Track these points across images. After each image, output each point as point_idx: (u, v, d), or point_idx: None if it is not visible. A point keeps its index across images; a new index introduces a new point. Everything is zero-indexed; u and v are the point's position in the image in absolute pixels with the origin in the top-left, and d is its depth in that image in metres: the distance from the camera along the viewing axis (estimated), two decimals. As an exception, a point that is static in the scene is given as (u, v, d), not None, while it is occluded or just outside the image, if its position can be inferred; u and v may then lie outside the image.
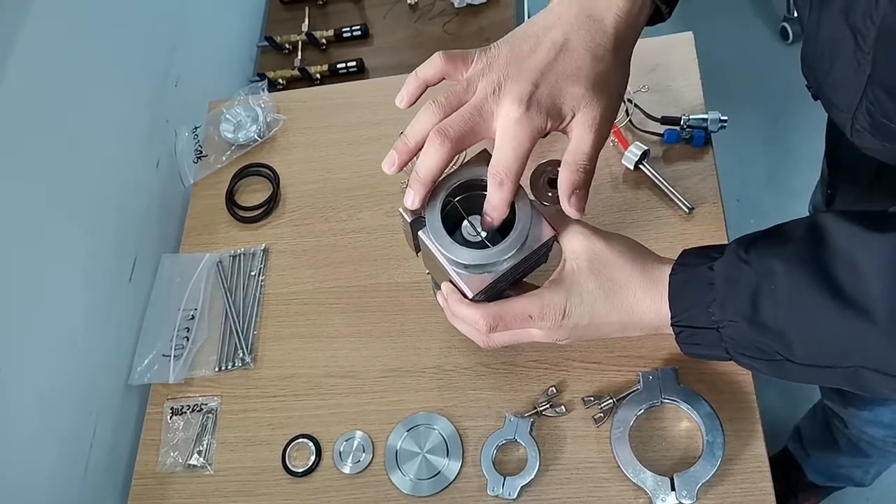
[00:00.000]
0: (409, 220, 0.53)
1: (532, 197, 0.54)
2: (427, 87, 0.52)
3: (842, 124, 0.56)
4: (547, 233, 0.53)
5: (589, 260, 0.53)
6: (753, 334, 0.46)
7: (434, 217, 0.52)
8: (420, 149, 0.49)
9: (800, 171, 1.68)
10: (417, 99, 0.53)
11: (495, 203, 0.49)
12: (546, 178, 0.55)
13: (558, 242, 0.55)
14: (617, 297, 0.52)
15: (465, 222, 0.54)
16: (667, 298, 0.50)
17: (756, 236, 0.48)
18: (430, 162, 0.48)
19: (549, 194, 0.54)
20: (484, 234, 0.53)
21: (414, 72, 0.52)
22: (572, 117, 0.49)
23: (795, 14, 1.78)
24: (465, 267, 0.52)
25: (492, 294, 0.55)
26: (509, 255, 0.51)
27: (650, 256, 0.54)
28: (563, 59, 0.48)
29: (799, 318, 0.44)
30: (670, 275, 0.50)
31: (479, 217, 0.54)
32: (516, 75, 0.47)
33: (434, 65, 0.51)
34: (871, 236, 0.42)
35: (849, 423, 0.99)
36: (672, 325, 0.50)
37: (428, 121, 0.49)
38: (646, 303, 0.52)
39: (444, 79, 0.52)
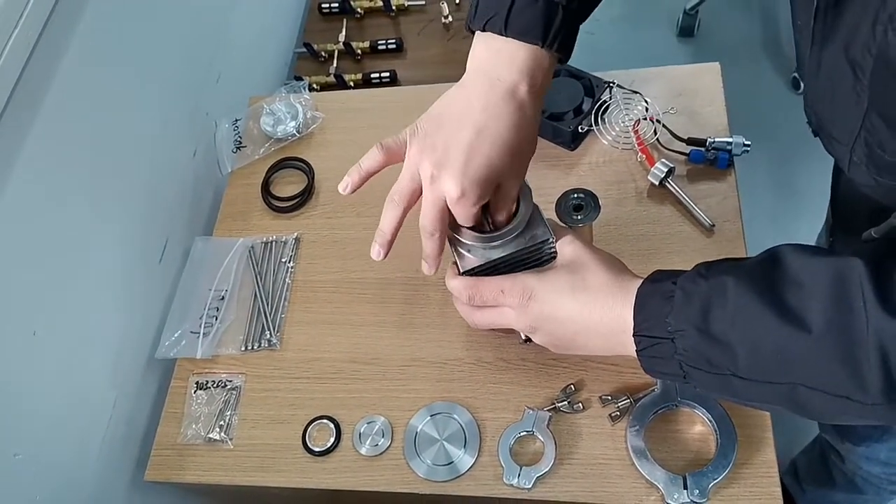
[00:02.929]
0: None
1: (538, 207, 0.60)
2: (369, 177, 0.60)
3: (840, 158, 0.59)
4: (542, 234, 0.59)
5: (571, 260, 0.58)
6: (703, 345, 0.47)
7: None
8: (395, 236, 0.59)
9: (804, 216, 1.73)
10: (359, 187, 0.61)
11: (427, 252, 0.57)
12: (572, 204, 0.67)
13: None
14: (584, 295, 0.55)
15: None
16: (632, 307, 0.52)
17: (720, 259, 0.52)
18: (430, 249, 0.58)
19: (573, 217, 0.66)
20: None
21: (357, 163, 0.60)
22: (502, 182, 0.56)
23: (797, 64, 1.84)
24: (467, 248, 0.59)
25: None
26: (499, 242, 0.58)
27: (628, 272, 0.57)
28: (487, 143, 0.53)
29: (744, 330, 0.46)
30: (639, 287, 0.53)
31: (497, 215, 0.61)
32: (451, 172, 0.52)
33: (374, 157, 0.59)
34: (818, 259, 0.45)
35: (846, 458, 1.01)
36: (633, 335, 0.52)
37: (394, 215, 0.57)
38: (610, 307, 0.54)
39: (385, 167, 0.59)
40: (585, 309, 0.55)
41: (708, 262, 0.51)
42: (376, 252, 0.60)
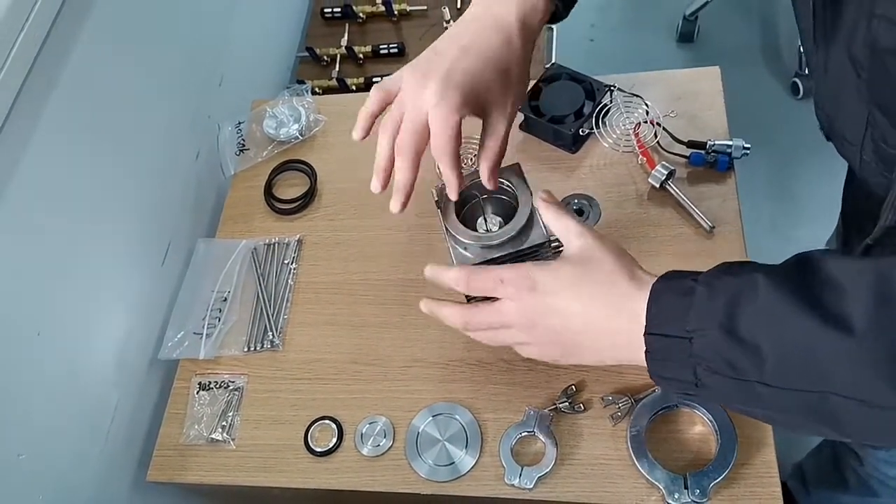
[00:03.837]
0: (435, 200, 0.63)
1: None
2: (374, 117, 0.60)
3: (851, 159, 0.59)
4: (537, 236, 0.59)
5: (579, 252, 0.54)
6: (726, 346, 0.43)
7: (450, 206, 0.61)
8: (391, 164, 0.57)
9: (804, 222, 1.73)
10: (370, 129, 0.60)
11: (447, 176, 0.56)
12: (572, 208, 0.68)
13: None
14: (590, 287, 0.51)
15: (480, 218, 0.63)
16: (645, 302, 0.48)
17: (742, 261, 0.48)
18: (401, 175, 0.56)
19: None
20: (492, 230, 0.62)
21: (361, 109, 0.60)
22: (485, 103, 0.55)
23: (807, 71, 1.85)
24: (464, 246, 0.60)
25: None
26: (497, 242, 0.59)
27: (638, 265, 0.53)
28: (472, 57, 0.54)
29: (776, 331, 0.41)
30: (654, 283, 0.49)
31: (495, 217, 0.63)
32: (434, 78, 0.53)
33: (373, 99, 0.59)
34: (856, 260, 0.42)
35: (864, 460, 1.00)
36: (645, 334, 0.47)
37: (385, 142, 0.57)
38: (620, 302, 0.50)
39: (386, 106, 0.59)
40: (592, 304, 0.51)
41: (730, 262, 0.47)
42: (374, 185, 0.59)
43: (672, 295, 0.47)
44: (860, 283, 0.40)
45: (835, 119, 0.61)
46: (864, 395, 0.39)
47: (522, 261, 0.61)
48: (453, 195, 0.57)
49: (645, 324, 0.47)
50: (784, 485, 1.24)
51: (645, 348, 0.47)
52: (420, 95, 0.53)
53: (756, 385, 0.42)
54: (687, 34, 2.01)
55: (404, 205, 0.58)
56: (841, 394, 0.40)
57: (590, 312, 0.51)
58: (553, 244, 0.60)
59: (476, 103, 0.55)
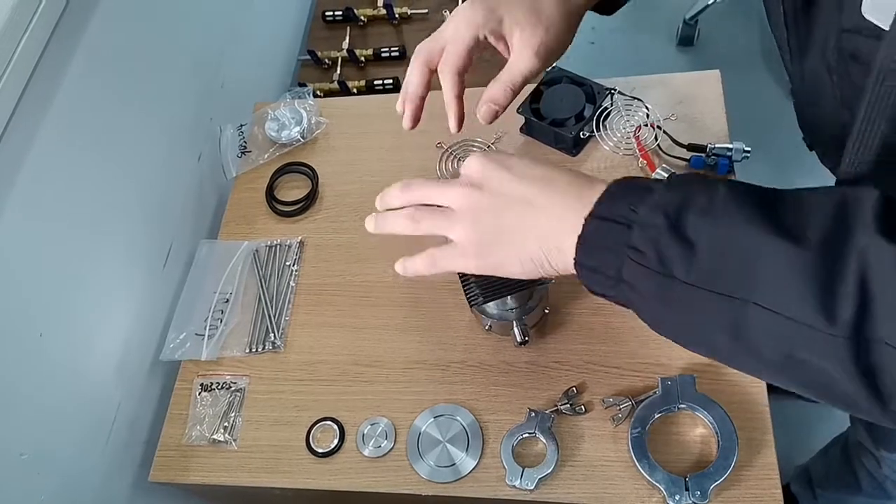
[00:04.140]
0: None
1: None
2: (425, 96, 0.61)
3: (833, 168, 0.60)
4: None
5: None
6: (664, 239, 0.40)
7: None
8: (426, 91, 0.60)
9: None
10: (420, 112, 0.62)
11: (445, 97, 0.58)
12: None
13: None
14: (551, 172, 0.49)
15: None
16: (602, 191, 0.45)
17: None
18: (412, 78, 0.59)
19: None
20: None
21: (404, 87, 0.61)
22: (512, 34, 0.56)
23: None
24: None
25: (486, 283, 0.63)
26: None
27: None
28: None
29: (721, 233, 0.39)
30: (617, 179, 0.46)
31: None
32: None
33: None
34: (825, 188, 0.40)
35: (882, 461, 1.00)
36: (587, 216, 0.44)
37: (418, 67, 0.59)
38: (579, 185, 0.47)
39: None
40: (551, 178, 0.48)
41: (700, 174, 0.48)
42: (405, 118, 0.60)
43: (631, 187, 0.45)
44: (825, 201, 0.38)
45: (815, 128, 0.61)
46: (789, 310, 0.37)
47: None
48: (452, 125, 0.58)
49: (591, 207, 0.45)
50: (786, 488, 1.25)
51: (579, 232, 0.44)
52: (455, 18, 0.56)
53: (677, 284, 0.40)
54: (687, 38, 2.02)
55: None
56: (763, 304, 0.37)
57: (546, 184, 0.48)
58: None
59: (497, 29, 0.56)
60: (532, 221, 0.48)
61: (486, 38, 0.56)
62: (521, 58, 0.58)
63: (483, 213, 0.50)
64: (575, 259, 0.45)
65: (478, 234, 0.50)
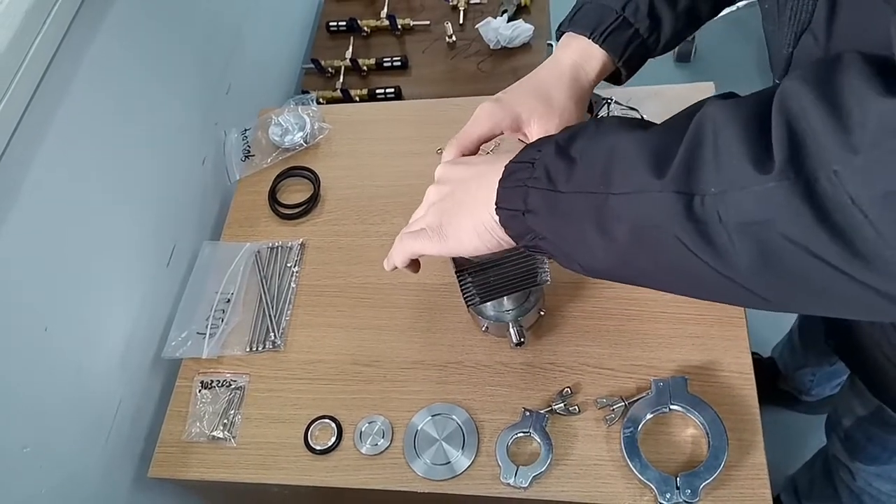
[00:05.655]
0: None
1: None
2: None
3: None
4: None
5: None
6: (552, 160, 0.44)
7: None
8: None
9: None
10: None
11: (444, 159, 0.60)
12: None
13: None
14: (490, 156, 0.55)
15: None
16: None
17: None
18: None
19: None
20: None
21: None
22: (530, 125, 0.60)
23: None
24: None
25: (483, 284, 0.64)
26: None
27: None
28: (529, 84, 0.63)
29: (595, 144, 0.43)
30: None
31: None
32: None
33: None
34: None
35: (857, 475, 1.01)
36: (505, 165, 0.48)
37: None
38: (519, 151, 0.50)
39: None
40: (489, 159, 0.53)
41: None
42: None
43: (544, 138, 0.48)
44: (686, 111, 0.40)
45: None
46: (631, 186, 0.39)
47: (519, 262, 0.63)
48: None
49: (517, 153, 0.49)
50: (777, 499, 1.26)
51: (498, 177, 0.48)
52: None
53: (561, 196, 0.43)
54: (684, 54, 2.05)
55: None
56: (615, 191, 0.39)
57: (496, 159, 0.51)
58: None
59: (516, 123, 0.60)
60: (479, 192, 0.51)
61: (502, 132, 0.61)
62: (521, 116, 0.61)
63: (442, 199, 0.55)
64: (496, 204, 0.48)
65: (437, 216, 0.54)
